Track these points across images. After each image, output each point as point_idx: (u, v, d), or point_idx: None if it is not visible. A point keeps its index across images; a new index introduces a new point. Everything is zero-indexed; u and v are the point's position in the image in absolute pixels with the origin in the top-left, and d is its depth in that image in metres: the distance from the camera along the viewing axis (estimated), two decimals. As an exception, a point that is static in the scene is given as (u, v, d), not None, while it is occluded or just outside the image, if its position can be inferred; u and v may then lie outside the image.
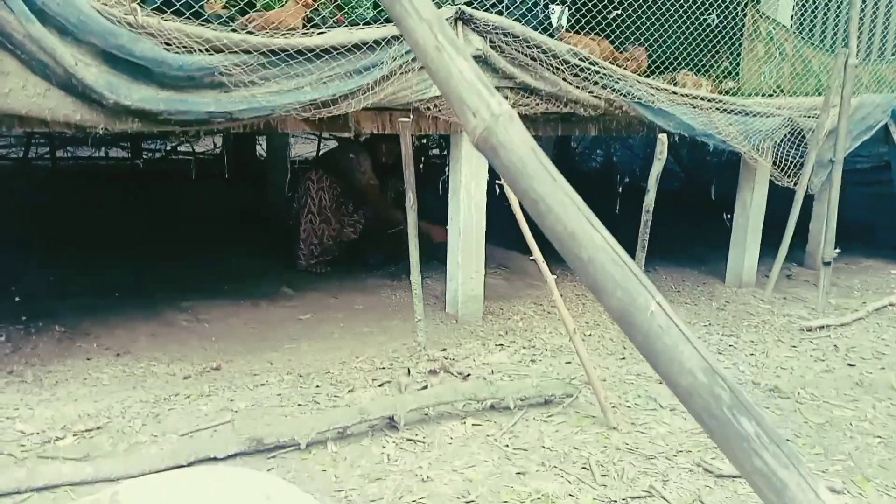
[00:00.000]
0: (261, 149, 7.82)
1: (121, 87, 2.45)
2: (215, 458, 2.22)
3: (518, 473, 2.24)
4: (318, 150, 7.95)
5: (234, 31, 2.64)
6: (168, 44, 2.49)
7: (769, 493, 0.73)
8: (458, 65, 0.83)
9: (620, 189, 5.24)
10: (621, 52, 3.85)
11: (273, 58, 2.69)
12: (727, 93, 4.20)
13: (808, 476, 0.74)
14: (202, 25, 2.57)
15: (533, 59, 3.35)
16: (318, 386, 2.84)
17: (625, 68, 3.84)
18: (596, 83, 3.54)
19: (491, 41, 3.27)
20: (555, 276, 2.74)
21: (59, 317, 3.40)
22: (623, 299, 0.76)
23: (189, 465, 2.17)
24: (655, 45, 4.13)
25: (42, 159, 7.45)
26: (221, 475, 1.70)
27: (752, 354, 3.46)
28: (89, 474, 2.08)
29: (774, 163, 4.37)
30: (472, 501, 2.07)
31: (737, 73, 4.30)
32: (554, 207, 0.79)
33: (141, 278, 4.08)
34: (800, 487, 0.71)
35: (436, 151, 8.69)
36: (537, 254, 2.75)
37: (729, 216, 4.69)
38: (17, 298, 3.58)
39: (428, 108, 3.25)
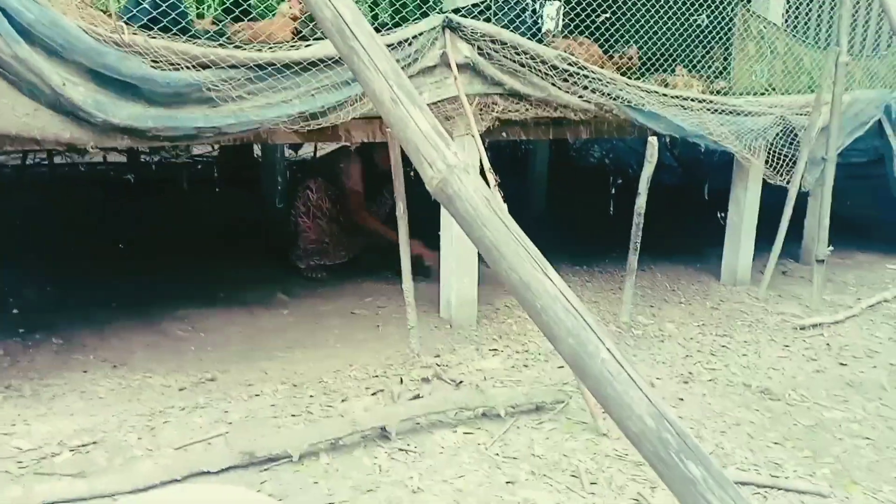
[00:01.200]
0: (258, 150, 7.84)
1: (108, 105, 2.47)
2: (209, 472, 2.25)
3: (507, 482, 2.27)
4: (315, 152, 7.95)
5: (221, 45, 2.66)
6: (155, 61, 2.50)
7: (717, 534, 0.75)
8: (414, 117, 0.85)
9: (614, 190, 5.26)
10: (610, 57, 3.85)
11: (260, 72, 2.71)
12: (718, 92, 4.20)
13: (754, 517, 0.76)
14: (189, 42, 2.59)
15: (522, 65, 3.36)
16: (311, 396, 2.87)
17: (617, 66, 3.85)
18: (585, 87, 3.55)
19: (479, 48, 3.29)
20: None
21: (56, 328, 3.44)
22: (574, 346, 0.79)
23: (183, 479, 2.21)
24: (646, 48, 4.13)
25: (40, 166, 7.49)
26: (210, 494, 1.73)
27: (744, 355, 3.48)
28: (84, 491, 2.12)
29: (767, 161, 4.38)
30: (462, 512, 2.10)
31: (728, 73, 4.31)
32: (507, 256, 0.81)
33: (137, 287, 4.11)
34: (745, 529, 0.74)
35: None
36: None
37: (723, 214, 4.70)
38: (14, 311, 3.61)
39: (417, 117, 3.26)
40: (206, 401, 2.79)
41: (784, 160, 4.34)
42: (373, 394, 2.90)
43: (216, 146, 8.63)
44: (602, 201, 5.83)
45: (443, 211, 3.72)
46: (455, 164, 0.84)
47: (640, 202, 3.58)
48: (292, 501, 2.15)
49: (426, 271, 4.43)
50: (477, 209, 0.83)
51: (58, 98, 2.39)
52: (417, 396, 2.84)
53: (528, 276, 0.80)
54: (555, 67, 3.43)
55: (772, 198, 4.62)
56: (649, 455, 0.76)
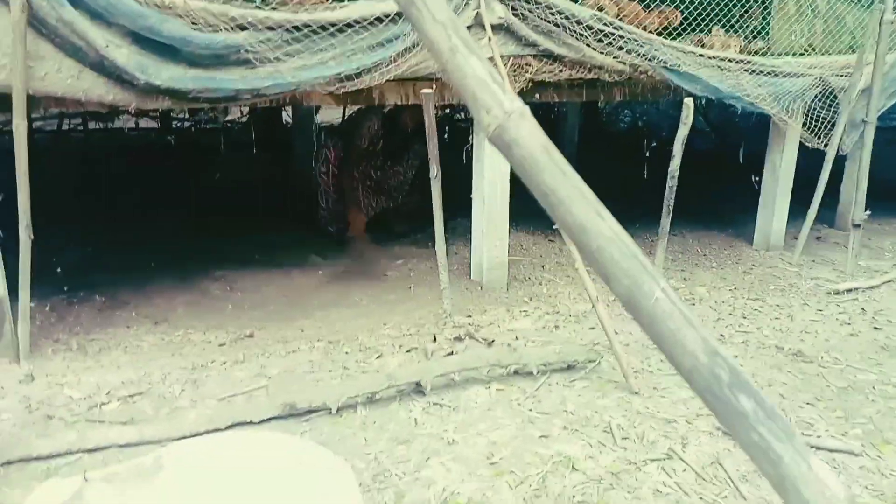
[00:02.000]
0: (287, 115, 7.86)
1: (151, 67, 2.51)
2: (251, 423, 2.33)
3: (541, 436, 2.33)
4: (343, 116, 7.96)
5: (258, 7, 2.67)
6: (195, 23, 2.53)
7: (766, 465, 0.78)
8: (472, 65, 0.87)
9: (648, 153, 5.20)
10: (649, 13, 3.78)
11: (297, 33, 2.73)
12: (756, 53, 4.11)
13: (802, 449, 0.79)
14: (227, 4, 2.61)
15: (556, 25, 3.32)
16: (347, 352, 2.94)
17: (659, 22, 3.77)
18: (620, 48, 3.50)
19: (513, 9, 3.25)
20: (577, 245, 2.78)
21: (98, 287, 3.55)
22: (629, 286, 0.81)
23: (227, 428, 2.30)
24: (682, 7, 4.04)
25: (75, 132, 7.61)
26: (258, 439, 1.81)
27: (777, 318, 3.47)
28: (134, 437, 2.22)
29: (805, 124, 4.29)
30: (496, 463, 2.16)
31: (767, 33, 4.20)
32: (564, 200, 0.84)
33: (174, 248, 4.21)
34: (794, 460, 0.77)
35: (461, 116, 8.65)
36: (560, 223, 2.78)
37: (757, 179, 4.64)
38: (58, 270, 3.73)
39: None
40: (246, 356, 2.88)
41: (822, 123, 4.25)
42: (407, 351, 2.96)
43: (244, 112, 8.68)
44: (631, 165, 5.79)
45: (474, 175, 3.73)
46: (512, 110, 0.86)
47: (674, 164, 3.53)
48: (332, 450, 2.22)
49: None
50: (534, 155, 0.85)
51: (102, 60, 2.44)
52: (451, 354, 2.90)
53: (584, 219, 0.83)
54: (590, 27, 3.38)
55: (804, 163, 4.55)
56: (702, 390, 0.79)
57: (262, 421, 2.35)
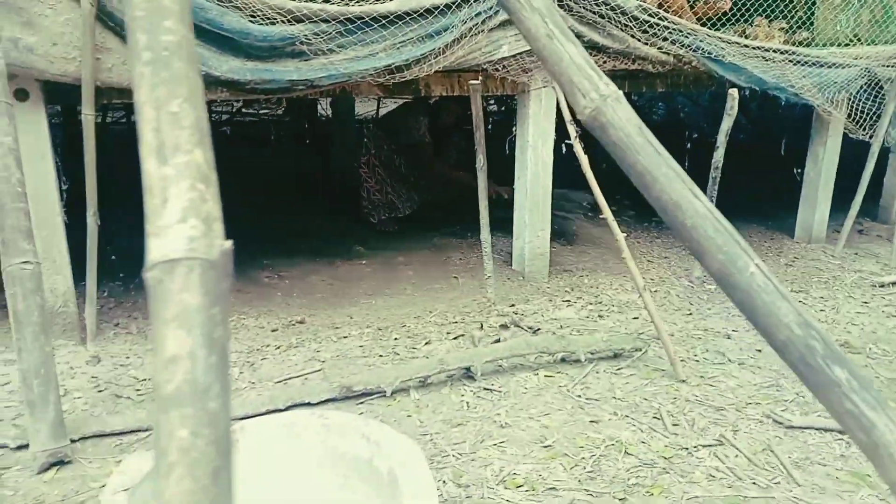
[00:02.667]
0: (321, 108, 7.97)
1: (211, 59, 2.59)
2: (309, 404, 2.41)
3: (591, 421, 2.37)
4: (378, 110, 8.04)
5: (313, 0, 2.74)
6: (253, 16, 2.61)
7: (859, 432, 0.82)
8: (569, 51, 0.92)
9: (689, 145, 5.18)
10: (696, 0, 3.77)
11: (350, 25, 2.79)
12: (801, 44, 4.08)
13: (895, 417, 0.82)
14: (284, -4, 2.68)
15: (601, 16, 3.34)
16: (396, 338, 3.01)
17: (703, 13, 3.77)
18: (665, 39, 3.51)
19: (559, 0, 3.28)
20: (625, 234, 2.81)
21: (152, 274, 3.66)
22: (724, 261, 0.85)
23: (286, 408, 2.38)
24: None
25: (117, 124, 7.80)
26: (325, 417, 1.88)
27: (822, 310, 3.46)
28: (200, 416, 2.31)
29: (849, 115, 4.25)
30: (550, 446, 2.20)
31: (811, 23, 4.17)
32: (659, 179, 0.88)
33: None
34: (887, 427, 0.80)
35: (493, 108, 8.68)
36: (607, 213, 2.82)
37: (799, 171, 4.61)
38: (113, 257, 3.85)
39: (496, 70, 3.30)
40: (298, 341, 2.96)
41: (867, 114, 4.20)
42: (454, 338, 3.02)
43: (280, 106, 8.81)
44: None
45: (517, 165, 3.77)
46: (609, 93, 0.90)
47: (718, 156, 3.55)
48: (389, 432, 2.29)
49: (508, 202, 4.40)
50: (630, 136, 0.89)
51: (165, 52, 2.52)
52: (497, 341, 2.95)
53: (678, 197, 0.87)
54: (635, 18, 3.40)
55: (844, 156, 4.49)
56: (795, 361, 0.83)
57: (320, 402, 2.42)
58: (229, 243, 0.56)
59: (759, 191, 5.59)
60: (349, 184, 5.19)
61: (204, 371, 0.48)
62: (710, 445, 2.22)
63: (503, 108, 8.51)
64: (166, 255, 0.52)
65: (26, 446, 2.06)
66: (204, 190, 0.58)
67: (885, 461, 0.80)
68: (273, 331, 3.09)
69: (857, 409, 0.81)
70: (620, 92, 0.93)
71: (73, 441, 2.11)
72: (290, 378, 2.64)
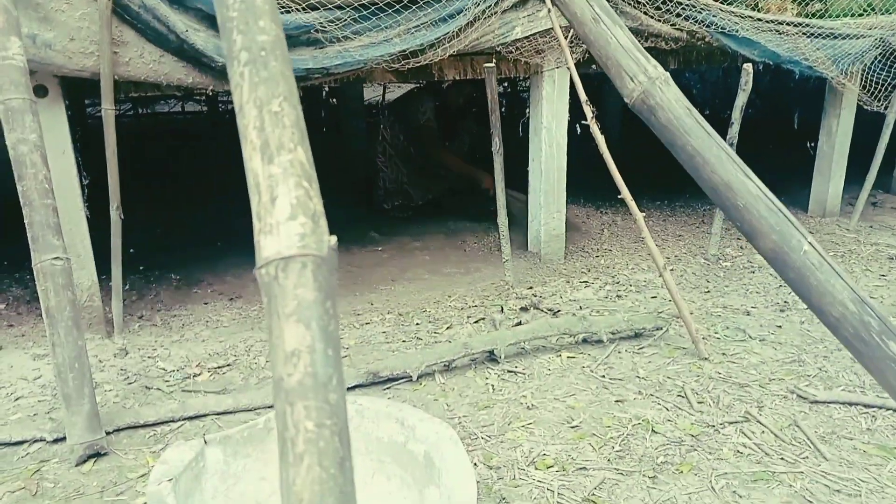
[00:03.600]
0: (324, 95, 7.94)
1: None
2: (337, 391, 2.44)
3: (617, 401, 2.39)
4: (384, 95, 8.01)
5: (326, -14, 2.73)
6: (267, 4, 2.59)
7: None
8: (615, 34, 0.92)
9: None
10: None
11: (364, 12, 2.77)
12: (814, 15, 4.04)
13: (949, 392, 0.83)
14: (298, -16, 2.67)
15: (614, -6, 3.31)
16: (417, 323, 3.03)
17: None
18: (678, 14, 3.48)
19: (571, -21, 3.25)
20: (643, 214, 2.81)
21: (171, 266, 3.69)
22: (777, 241, 0.86)
23: (314, 396, 2.40)
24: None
25: (125, 117, 7.81)
26: (358, 403, 1.90)
27: (839, 284, 3.46)
28: (230, 405, 2.34)
29: (863, 86, 4.22)
30: (577, 427, 2.23)
31: (825, -6, 4.12)
32: (710, 160, 0.88)
33: (237, 227, 4.32)
34: (942, 401, 0.81)
35: (500, 90, 8.63)
36: (625, 192, 2.81)
37: (812, 144, 4.58)
38: (131, 250, 3.87)
39: (510, 52, 3.28)
40: (321, 329, 2.98)
41: (882, 85, 4.17)
42: (475, 322, 3.04)
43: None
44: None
45: (531, 148, 3.76)
46: (657, 76, 0.91)
47: (733, 132, 3.53)
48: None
49: (482, 196, 4.49)
50: (680, 118, 0.89)
51: (182, 44, 2.53)
52: (518, 324, 2.96)
53: (729, 178, 0.87)
54: (647, -5, 3.37)
55: (857, 129, 4.46)
56: (849, 338, 0.84)
57: (347, 388, 2.45)
58: (335, 239, 0.57)
59: (771, 165, 5.56)
60: (361, 171, 5.19)
61: (323, 364, 0.49)
62: (736, 422, 2.24)
63: (508, 89, 8.47)
64: (279, 253, 0.54)
65: (63, 439, 2.09)
66: (309, 188, 0.59)
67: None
68: (295, 319, 3.11)
69: (913, 383, 0.81)
70: (668, 74, 0.93)
71: (108, 433, 2.14)
72: (315, 365, 2.66)
